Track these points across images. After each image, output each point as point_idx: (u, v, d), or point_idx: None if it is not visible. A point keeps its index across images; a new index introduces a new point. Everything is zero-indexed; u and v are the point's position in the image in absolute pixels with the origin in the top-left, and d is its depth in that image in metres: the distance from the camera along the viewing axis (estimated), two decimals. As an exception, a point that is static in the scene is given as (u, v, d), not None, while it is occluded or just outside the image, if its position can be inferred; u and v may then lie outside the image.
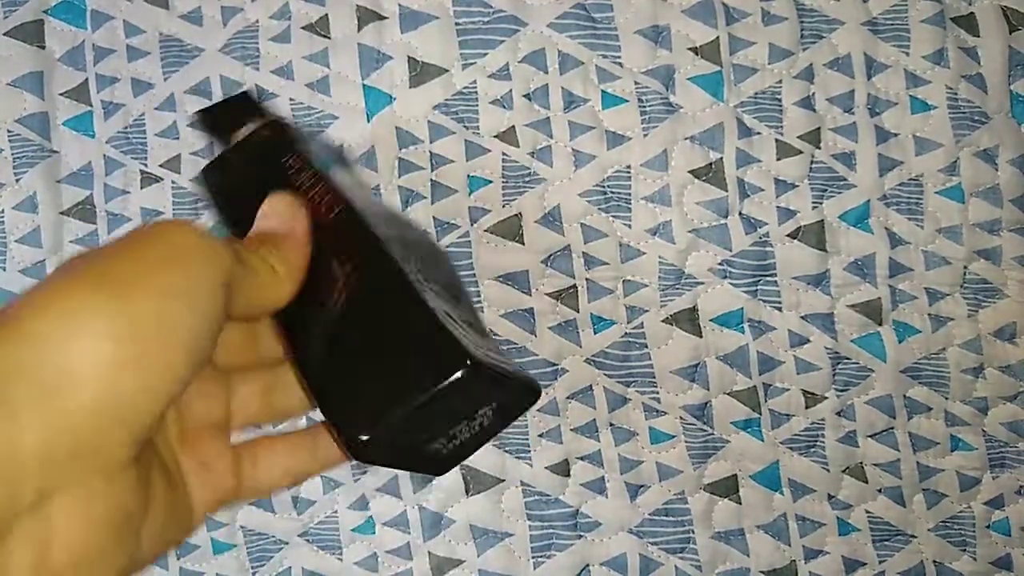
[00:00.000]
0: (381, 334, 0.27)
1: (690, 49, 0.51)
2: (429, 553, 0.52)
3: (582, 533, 0.52)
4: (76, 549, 0.19)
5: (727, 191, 0.51)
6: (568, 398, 0.52)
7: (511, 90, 0.51)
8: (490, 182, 0.51)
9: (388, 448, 0.26)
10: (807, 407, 0.52)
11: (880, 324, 0.52)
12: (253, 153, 0.32)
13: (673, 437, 0.52)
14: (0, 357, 0.19)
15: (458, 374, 0.25)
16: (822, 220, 0.51)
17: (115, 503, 0.20)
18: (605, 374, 0.51)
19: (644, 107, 0.51)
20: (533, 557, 0.52)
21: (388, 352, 0.26)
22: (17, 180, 0.52)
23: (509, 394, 0.27)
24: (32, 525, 0.19)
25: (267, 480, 0.28)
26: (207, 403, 0.27)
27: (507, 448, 0.52)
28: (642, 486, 0.52)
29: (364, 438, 0.25)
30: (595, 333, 0.51)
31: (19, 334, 0.19)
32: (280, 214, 0.28)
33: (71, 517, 0.19)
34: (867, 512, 0.52)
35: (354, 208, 0.29)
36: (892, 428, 0.52)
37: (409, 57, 0.51)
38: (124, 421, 0.20)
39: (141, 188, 0.52)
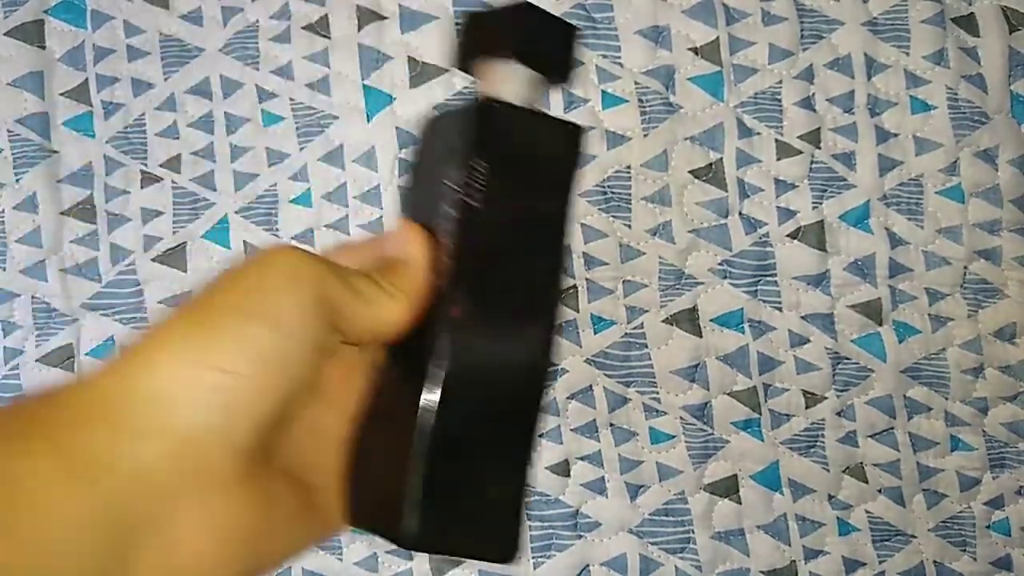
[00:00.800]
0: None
1: (690, 49, 0.51)
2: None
3: (582, 533, 0.52)
4: (195, 553, 0.22)
5: (727, 191, 0.51)
6: (568, 398, 0.52)
7: (511, 90, 0.51)
8: (490, 182, 0.51)
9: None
10: (807, 407, 0.52)
11: (880, 324, 0.52)
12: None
13: (673, 437, 0.52)
14: (123, 387, 0.21)
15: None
16: (822, 220, 0.51)
17: (231, 516, 0.22)
18: (605, 374, 0.51)
19: (644, 107, 0.51)
20: (533, 557, 0.52)
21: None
22: (17, 180, 0.52)
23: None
24: (158, 534, 0.21)
25: None
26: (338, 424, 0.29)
27: (507, 448, 0.52)
28: (642, 486, 0.52)
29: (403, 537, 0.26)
30: (595, 333, 0.51)
31: (136, 363, 0.22)
32: (398, 242, 0.27)
33: (189, 526, 0.21)
34: (867, 512, 0.52)
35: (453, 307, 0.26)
36: (892, 428, 0.52)
37: (409, 57, 0.51)
38: (224, 439, 0.22)
39: (141, 188, 0.52)
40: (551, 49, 0.29)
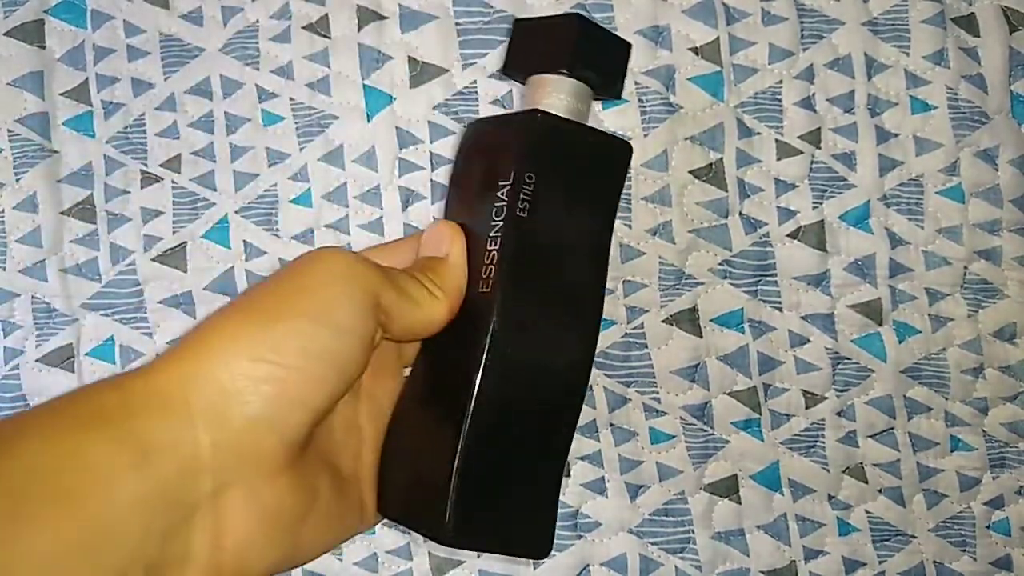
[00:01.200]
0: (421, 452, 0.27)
1: (690, 49, 0.51)
2: (429, 553, 0.52)
3: (582, 533, 0.52)
4: (242, 537, 0.23)
5: (727, 191, 0.51)
6: (568, 398, 0.52)
7: (511, 90, 0.51)
8: (490, 182, 0.51)
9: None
10: (807, 407, 0.52)
11: (880, 324, 0.52)
12: (508, 137, 0.28)
13: (673, 437, 0.52)
14: (182, 377, 0.23)
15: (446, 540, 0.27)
16: (822, 220, 0.51)
17: (277, 503, 0.24)
18: (605, 374, 0.51)
19: (644, 107, 0.51)
20: (533, 557, 0.52)
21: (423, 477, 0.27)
22: (17, 180, 0.52)
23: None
24: (209, 516, 0.23)
25: None
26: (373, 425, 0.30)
27: (507, 448, 0.52)
28: (642, 486, 0.52)
29: (385, 515, 0.28)
30: (595, 333, 0.51)
31: (195, 354, 0.23)
32: (436, 241, 0.29)
33: (238, 510, 0.23)
34: (867, 512, 0.52)
35: (495, 305, 0.27)
36: (892, 428, 0.52)
37: (409, 57, 0.51)
38: (276, 429, 0.23)
39: (141, 188, 0.52)
40: (602, 63, 0.29)
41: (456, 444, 0.26)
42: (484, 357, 0.27)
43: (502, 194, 0.27)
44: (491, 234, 0.27)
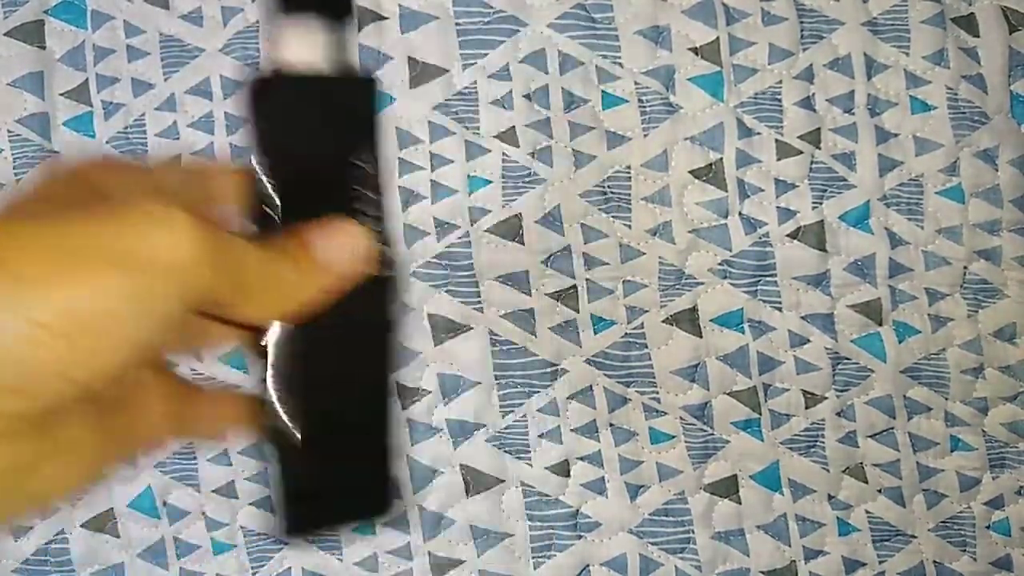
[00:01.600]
0: (343, 439, 0.26)
1: (690, 49, 0.51)
2: (429, 553, 0.52)
3: (582, 533, 0.52)
4: None
5: (727, 191, 0.51)
6: (568, 398, 0.52)
7: (511, 90, 0.51)
8: (490, 182, 0.51)
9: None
10: (807, 407, 0.52)
11: (880, 324, 0.52)
12: (325, 108, 0.26)
13: (673, 437, 0.52)
14: None
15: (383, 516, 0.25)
16: (822, 220, 0.51)
17: (6, 455, 0.19)
18: (605, 374, 0.51)
19: (644, 107, 0.51)
20: (533, 557, 0.52)
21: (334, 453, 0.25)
22: (17, 180, 0.52)
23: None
24: None
25: (198, 428, 0.26)
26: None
27: (507, 448, 0.52)
28: (642, 486, 0.52)
29: (284, 525, 0.25)
30: (595, 333, 0.51)
31: None
32: (344, 250, 0.25)
33: None
34: (867, 512, 0.52)
35: (388, 278, 0.26)
36: (892, 428, 0.52)
37: (409, 57, 0.51)
38: (27, 396, 0.19)
39: (141, 188, 0.52)
40: None
41: (384, 419, 0.25)
42: (390, 333, 0.26)
43: (360, 163, 0.27)
44: (358, 206, 0.26)
